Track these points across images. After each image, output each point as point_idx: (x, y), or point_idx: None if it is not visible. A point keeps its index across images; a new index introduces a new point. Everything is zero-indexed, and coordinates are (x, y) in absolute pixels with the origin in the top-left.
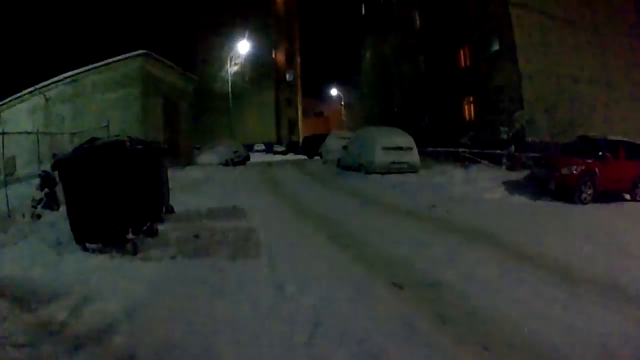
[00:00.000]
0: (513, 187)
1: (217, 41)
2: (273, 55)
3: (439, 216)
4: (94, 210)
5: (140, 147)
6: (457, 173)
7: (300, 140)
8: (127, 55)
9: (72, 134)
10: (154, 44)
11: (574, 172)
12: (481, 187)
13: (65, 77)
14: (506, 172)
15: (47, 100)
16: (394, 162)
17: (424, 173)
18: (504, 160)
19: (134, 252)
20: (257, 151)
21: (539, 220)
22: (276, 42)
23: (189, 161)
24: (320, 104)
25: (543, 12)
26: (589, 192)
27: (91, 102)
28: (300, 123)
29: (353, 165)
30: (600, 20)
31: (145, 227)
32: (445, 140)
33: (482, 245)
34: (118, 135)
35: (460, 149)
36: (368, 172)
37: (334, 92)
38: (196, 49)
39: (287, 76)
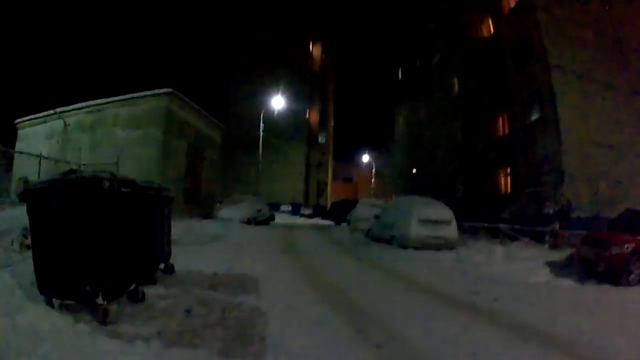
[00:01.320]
0: (557, 268)
1: (251, 93)
2: (307, 115)
3: (481, 305)
4: (58, 258)
5: (127, 190)
6: (496, 251)
7: (328, 204)
8: (153, 92)
9: (79, 166)
10: (185, 87)
11: (625, 250)
12: (523, 268)
13: (88, 105)
14: (549, 250)
15: (66, 125)
16: (430, 237)
17: (461, 250)
18: (547, 237)
19: (103, 322)
20: (283, 212)
21: (594, 311)
22: (311, 100)
23: (209, 214)
24: (349, 170)
25: (582, 76)
26: (637, 272)
27: (111, 135)
28: (329, 187)
29: (384, 236)
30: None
31: (129, 289)
32: (480, 214)
33: (541, 349)
34: (103, 171)
35: (500, 225)
36: (401, 246)
37: (365, 158)
38: (229, 98)
39: (320, 138)
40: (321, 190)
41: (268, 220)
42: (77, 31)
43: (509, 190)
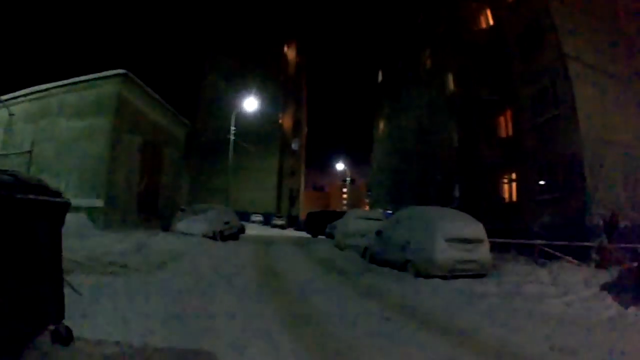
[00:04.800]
0: (617, 293)
1: (222, 95)
2: (280, 120)
3: None
4: None
5: None
6: (539, 275)
7: (301, 214)
8: (102, 74)
9: None
10: (149, 82)
11: None
12: (581, 298)
13: (33, 92)
14: (595, 270)
15: (10, 115)
16: (460, 261)
17: (497, 276)
18: (593, 255)
19: None
20: (254, 221)
21: None
22: (284, 105)
23: (169, 225)
24: (321, 178)
25: (596, 67)
26: None
27: (55, 127)
28: (302, 196)
29: (393, 259)
30: None
31: None
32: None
33: None
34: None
35: (537, 241)
36: (421, 274)
37: (340, 166)
38: (198, 99)
39: (293, 144)
40: (294, 200)
41: (238, 234)
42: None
43: (514, 197)
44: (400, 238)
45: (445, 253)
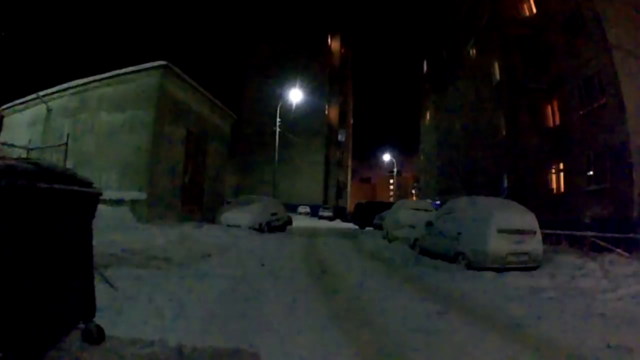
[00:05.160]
0: None
1: (267, 86)
2: (326, 111)
3: None
4: None
5: None
6: (591, 268)
7: (348, 206)
8: (143, 66)
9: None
10: (195, 76)
11: None
12: (634, 293)
13: (71, 87)
14: None
15: (48, 111)
16: (513, 253)
17: (550, 269)
18: None
19: None
20: (301, 213)
21: None
22: (330, 96)
23: (213, 218)
24: (368, 170)
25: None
26: None
27: (95, 120)
28: (349, 187)
29: (444, 251)
30: None
31: None
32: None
33: None
34: None
35: (589, 232)
36: (473, 266)
37: (386, 157)
38: (244, 92)
39: (339, 136)
40: (341, 191)
41: (285, 226)
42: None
43: (562, 188)
44: (452, 229)
45: (498, 244)
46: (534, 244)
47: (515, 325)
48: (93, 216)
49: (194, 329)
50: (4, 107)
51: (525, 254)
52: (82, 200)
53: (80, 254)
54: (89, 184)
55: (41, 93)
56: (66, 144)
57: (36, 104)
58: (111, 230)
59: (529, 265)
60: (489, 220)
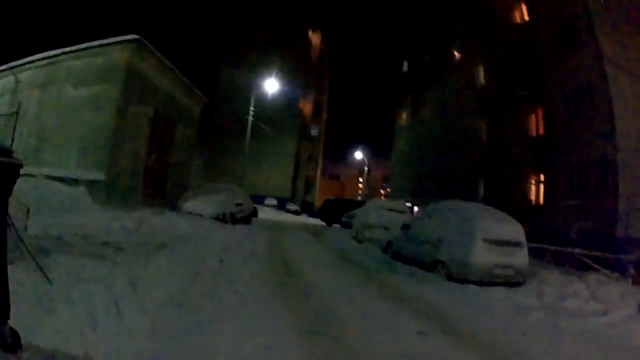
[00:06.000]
0: None
1: (243, 75)
2: (300, 104)
3: None
4: None
5: None
6: (578, 288)
7: (316, 201)
8: (113, 39)
9: None
10: (169, 57)
11: None
12: (623, 318)
13: (41, 58)
14: (633, 286)
15: (17, 83)
16: (498, 266)
17: (535, 285)
18: (631, 269)
19: None
20: (267, 205)
21: None
22: (305, 90)
23: (175, 205)
24: (337, 167)
25: (632, 73)
26: None
27: (60, 94)
28: (318, 183)
29: (420, 258)
30: None
31: None
32: None
33: None
34: None
35: (576, 250)
36: (453, 277)
37: (358, 155)
38: (218, 77)
39: (312, 131)
40: (309, 186)
41: (250, 217)
42: None
43: (541, 200)
44: (431, 235)
45: (483, 255)
46: (521, 258)
47: (510, 352)
48: (9, 193)
49: (126, 347)
50: None
51: (511, 267)
52: None
53: None
54: (7, 152)
55: (12, 64)
56: (16, 112)
57: (6, 75)
58: (64, 211)
59: (513, 280)
60: (474, 228)
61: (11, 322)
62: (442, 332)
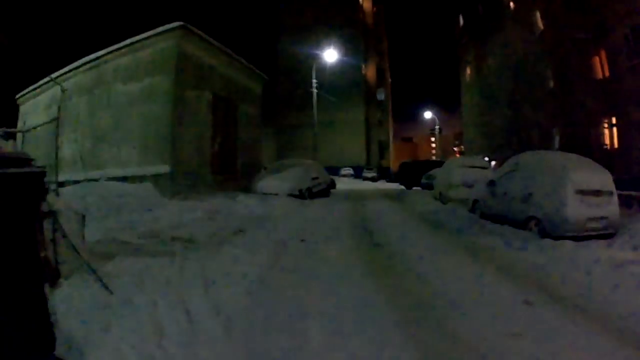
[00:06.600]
0: None
1: (300, 48)
2: (363, 70)
3: None
4: None
5: None
6: None
7: (392, 165)
8: (156, 30)
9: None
10: (226, 40)
11: None
12: None
13: (84, 63)
14: None
15: (63, 91)
16: (592, 218)
17: (627, 237)
18: None
19: None
20: (344, 175)
21: None
22: (366, 55)
23: (248, 187)
24: (408, 129)
25: None
26: None
27: (110, 94)
28: (391, 147)
29: (511, 216)
30: None
31: None
32: None
33: None
34: None
35: None
36: (547, 234)
37: (427, 114)
38: (276, 53)
39: (378, 95)
40: (383, 151)
41: (328, 190)
42: None
43: (615, 144)
44: (520, 189)
45: (577, 208)
46: (612, 207)
47: (621, 318)
48: (37, 205)
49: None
50: (18, 95)
51: (605, 218)
52: (10, 183)
53: (19, 262)
54: (26, 161)
55: (54, 75)
56: (57, 119)
57: (51, 87)
58: (131, 211)
59: (606, 232)
60: (565, 180)
61: (60, 350)
62: (547, 300)
